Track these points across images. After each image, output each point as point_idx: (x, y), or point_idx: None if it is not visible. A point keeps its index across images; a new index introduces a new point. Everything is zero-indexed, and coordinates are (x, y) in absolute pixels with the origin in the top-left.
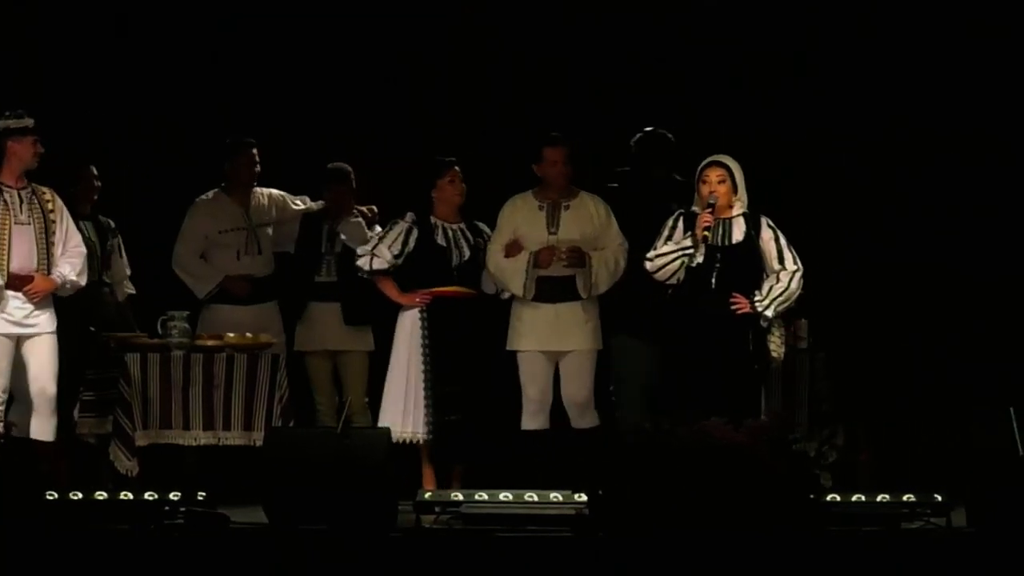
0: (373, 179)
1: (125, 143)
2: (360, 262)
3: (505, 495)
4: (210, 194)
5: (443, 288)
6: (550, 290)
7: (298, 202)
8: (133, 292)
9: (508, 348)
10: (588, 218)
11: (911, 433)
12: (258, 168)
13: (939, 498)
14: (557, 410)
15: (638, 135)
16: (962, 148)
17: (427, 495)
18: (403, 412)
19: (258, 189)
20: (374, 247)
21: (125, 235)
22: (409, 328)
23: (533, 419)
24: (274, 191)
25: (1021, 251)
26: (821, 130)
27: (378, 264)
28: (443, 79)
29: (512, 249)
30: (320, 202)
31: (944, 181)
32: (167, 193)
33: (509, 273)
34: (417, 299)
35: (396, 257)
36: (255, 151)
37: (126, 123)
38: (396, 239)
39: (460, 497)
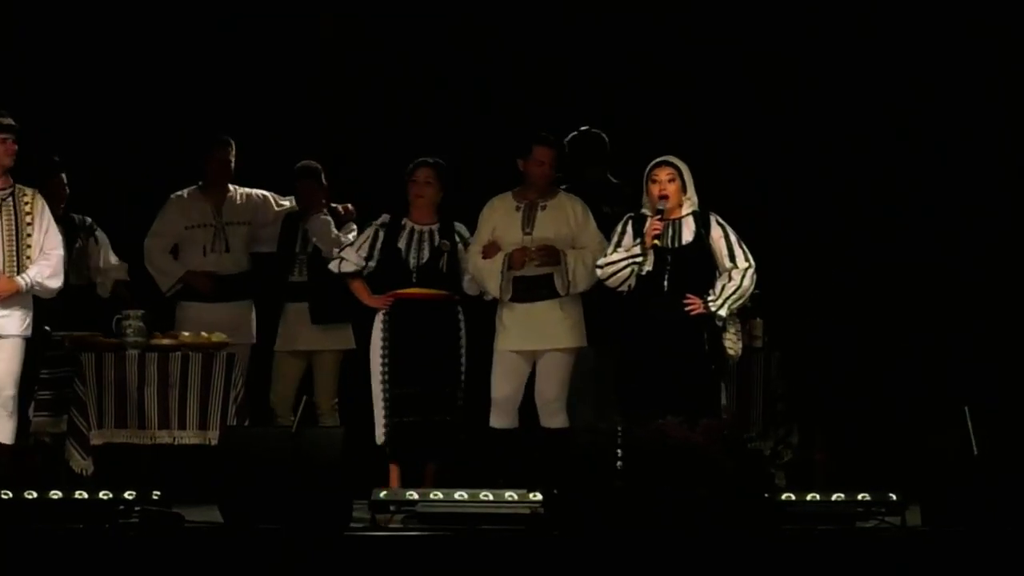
0: (359, 179)
1: (112, 140)
2: (331, 265)
3: (460, 494)
4: (185, 191)
5: (402, 291)
6: (526, 290)
7: (284, 203)
8: (126, 279)
9: (495, 349)
10: (564, 218)
11: (866, 432)
12: (232, 166)
13: (894, 497)
14: (526, 409)
15: (572, 134)
16: (917, 147)
17: (382, 494)
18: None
19: (237, 188)
20: (342, 250)
21: (112, 232)
22: (375, 331)
23: (501, 418)
24: (256, 191)
25: (978, 252)
26: (784, 129)
27: (346, 267)
28: (441, 79)
29: (490, 250)
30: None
31: (897, 181)
32: (158, 191)
33: (486, 274)
34: (381, 302)
35: (366, 259)
36: (231, 149)
37: (117, 120)
38: (364, 242)
39: (415, 496)
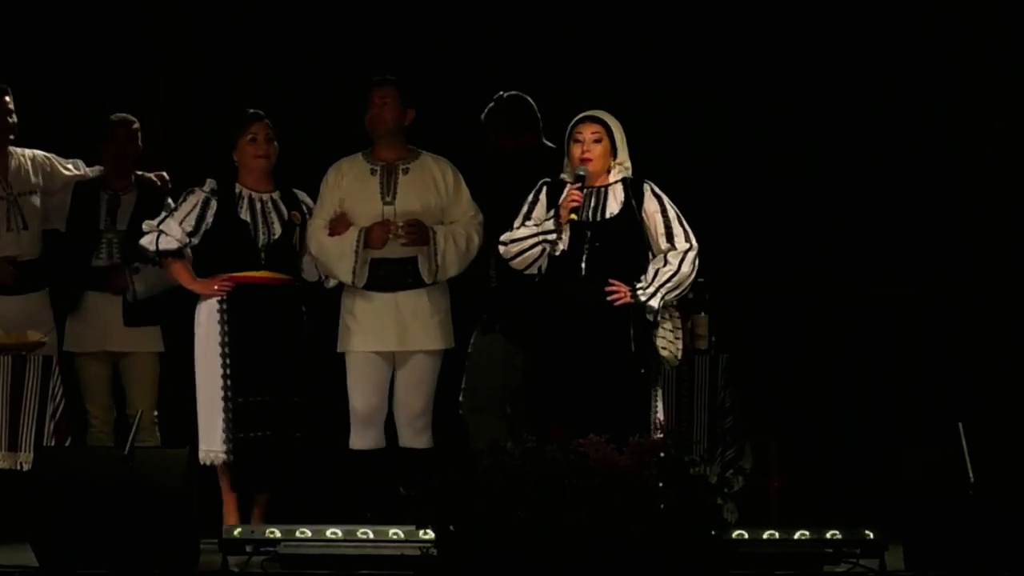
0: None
1: None
2: (145, 240)
3: (333, 531)
4: None
5: (247, 273)
6: (386, 276)
7: (69, 167)
8: None
9: (339, 350)
10: (432, 184)
11: (834, 455)
12: (13, 119)
13: (870, 535)
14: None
15: (492, 104)
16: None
17: (236, 531)
18: (202, 427)
19: (18, 150)
20: (161, 222)
21: None
22: (206, 323)
23: (363, 436)
24: (38, 152)
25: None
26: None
27: (167, 244)
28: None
29: (339, 225)
30: (97, 168)
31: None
32: None
33: (334, 256)
34: (216, 287)
35: (190, 235)
36: (8, 98)
37: None
38: (190, 213)
39: (277, 534)
